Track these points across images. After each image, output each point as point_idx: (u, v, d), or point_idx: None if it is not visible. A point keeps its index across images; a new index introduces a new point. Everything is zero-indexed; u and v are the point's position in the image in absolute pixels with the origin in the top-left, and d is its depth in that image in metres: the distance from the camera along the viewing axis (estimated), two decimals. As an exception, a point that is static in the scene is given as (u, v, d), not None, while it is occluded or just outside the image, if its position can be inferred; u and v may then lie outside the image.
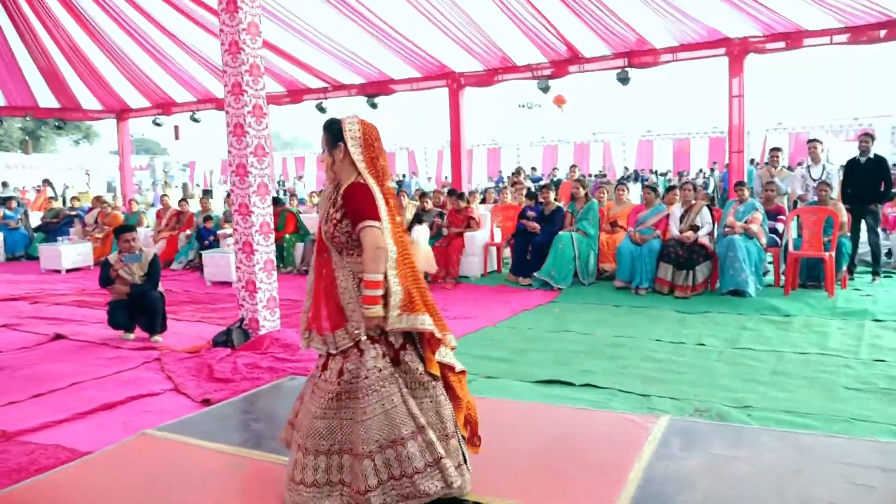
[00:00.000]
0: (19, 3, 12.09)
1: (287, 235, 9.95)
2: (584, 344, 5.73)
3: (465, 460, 2.86)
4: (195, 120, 15.93)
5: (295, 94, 14.60)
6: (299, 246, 10.02)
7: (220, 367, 5.12)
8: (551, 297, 7.71)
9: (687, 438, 3.53)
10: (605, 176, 22.00)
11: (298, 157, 32.12)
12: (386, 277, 2.65)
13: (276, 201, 10.14)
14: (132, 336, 6.21)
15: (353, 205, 2.63)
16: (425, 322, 2.69)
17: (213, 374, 5.02)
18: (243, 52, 5.53)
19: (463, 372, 2.93)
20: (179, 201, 12.00)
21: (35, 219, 14.11)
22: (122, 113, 16.88)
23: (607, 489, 2.97)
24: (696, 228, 7.58)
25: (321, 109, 14.38)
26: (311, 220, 10.63)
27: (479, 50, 11.01)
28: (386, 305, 2.65)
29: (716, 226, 7.75)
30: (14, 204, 13.58)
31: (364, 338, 2.70)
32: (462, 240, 8.82)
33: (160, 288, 6.25)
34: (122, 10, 11.75)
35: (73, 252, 11.23)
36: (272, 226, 5.90)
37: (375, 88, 13.51)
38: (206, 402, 4.45)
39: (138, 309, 6.09)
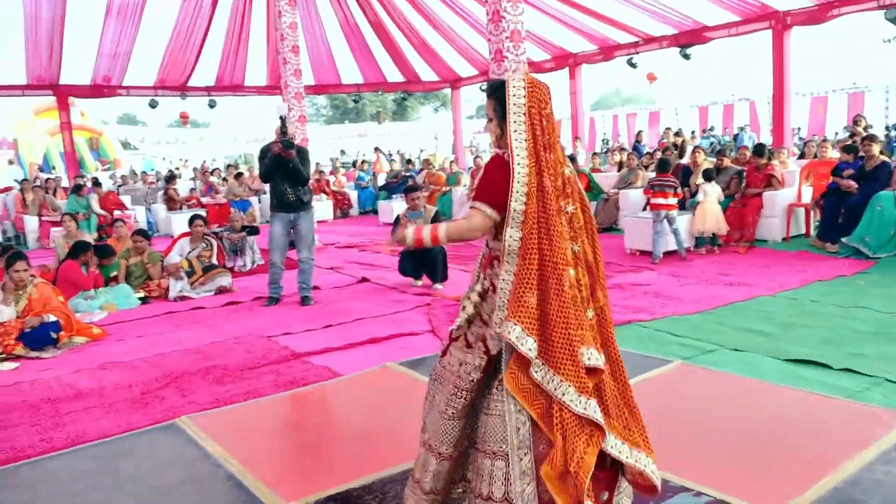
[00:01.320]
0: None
1: (589, 193, 10.12)
2: (873, 324, 4.88)
3: None
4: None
5: (606, 51, 14.47)
6: (591, 204, 10.09)
7: (475, 316, 5.58)
8: (860, 268, 6.61)
9: (938, 445, 2.90)
10: None
11: (631, 115, 31.40)
12: (494, 271, 2.32)
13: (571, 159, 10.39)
14: (419, 283, 7.06)
15: (479, 179, 2.37)
16: (513, 332, 2.15)
17: (467, 321, 5.49)
18: (504, 19, 5.78)
19: (597, 427, 2.15)
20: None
21: (381, 180, 16.47)
22: (454, 82, 18.57)
23: (797, 482, 2.65)
24: None
25: (632, 65, 14.05)
26: (605, 180, 10.62)
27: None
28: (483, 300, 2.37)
29: None
30: (365, 166, 16.00)
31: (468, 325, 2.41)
32: (760, 200, 7.98)
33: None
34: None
35: (404, 207, 12.91)
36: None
37: (688, 38, 12.72)
38: (451, 346, 4.93)
39: (422, 260, 6.89)
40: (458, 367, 2.38)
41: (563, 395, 2.13)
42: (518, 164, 2.23)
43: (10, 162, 21.54)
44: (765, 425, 3.24)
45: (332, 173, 16.51)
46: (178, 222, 11.85)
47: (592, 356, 2.17)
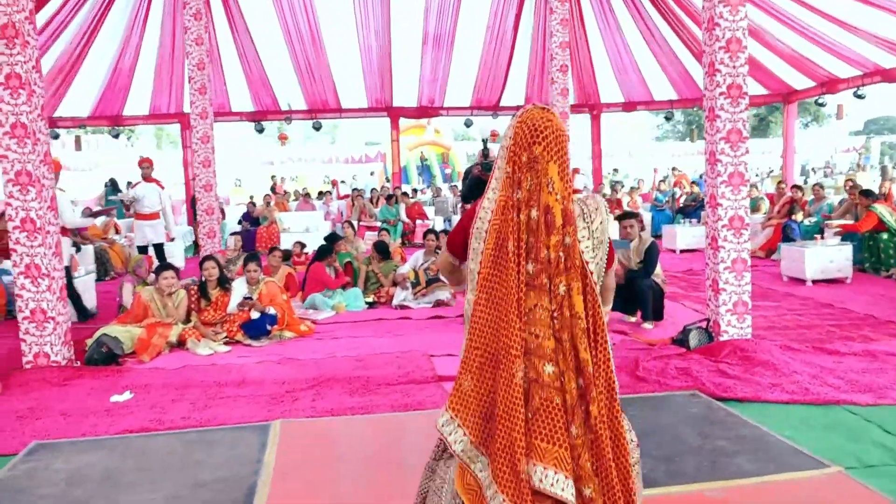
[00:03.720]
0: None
1: (885, 234, 8.16)
2: None
3: None
4: (859, 96, 14.30)
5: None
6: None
7: (647, 365, 4.91)
8: None
9: None
10: None
11: None
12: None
13: (867, 193, 8.50)
14: (632, 319, 6.46)
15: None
16: (441, 418, 1.88)
17: (637, 370, 4.86)
18: (718, 27, 4.97)
19: None
20: (792, 187, 11.07)
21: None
22: (788, 96, 16.48)
23: None
24: None
25: None
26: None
27: None
28: None
29: None
30: (663, 186, 15.10)
31: None
32: None
33: (659, 277, 6.27)
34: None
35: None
36: (745, 221, 5.15)
37: None
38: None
39: (629, 294, 6.27)
40: None
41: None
42: (480, 217, 1.95)
43: (371, 173, 25.25)
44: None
45: (630, 193, 15.95)
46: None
47: (549, 480, 1.69)
